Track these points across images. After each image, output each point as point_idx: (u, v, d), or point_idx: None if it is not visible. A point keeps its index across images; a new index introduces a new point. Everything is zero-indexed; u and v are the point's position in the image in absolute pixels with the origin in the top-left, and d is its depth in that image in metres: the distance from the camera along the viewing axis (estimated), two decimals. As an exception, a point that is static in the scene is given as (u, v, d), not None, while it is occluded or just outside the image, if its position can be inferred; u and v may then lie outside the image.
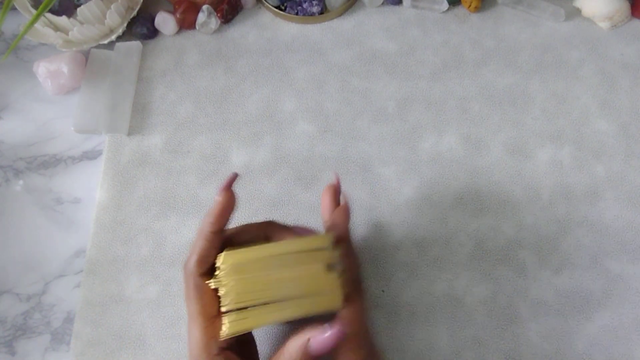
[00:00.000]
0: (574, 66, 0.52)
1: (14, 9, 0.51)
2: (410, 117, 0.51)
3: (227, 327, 0.30)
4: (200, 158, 0.50)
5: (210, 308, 0.32)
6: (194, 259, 0.33)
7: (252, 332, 0.37)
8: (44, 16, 0.49)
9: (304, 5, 0.53)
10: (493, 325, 0.44)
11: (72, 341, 0.44)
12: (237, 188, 0.49)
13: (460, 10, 0.55)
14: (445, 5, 0.54)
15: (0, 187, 0.50)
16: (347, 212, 0.36)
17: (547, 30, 0.54)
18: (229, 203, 0.34)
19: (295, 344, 0.29)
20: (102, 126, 0.50)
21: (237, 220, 0.47)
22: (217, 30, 0.55)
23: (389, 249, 0.46)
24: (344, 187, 0.48)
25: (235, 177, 0.35)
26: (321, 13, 0.54)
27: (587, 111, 0.51)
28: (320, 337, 0.28)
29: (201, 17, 0.53)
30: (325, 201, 0.37)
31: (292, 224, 0.37)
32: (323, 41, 0.54)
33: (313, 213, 0.48)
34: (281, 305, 0.30)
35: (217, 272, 0.32)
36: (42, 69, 0.51)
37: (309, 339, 0.28)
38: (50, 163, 0.50)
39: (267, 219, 0.37)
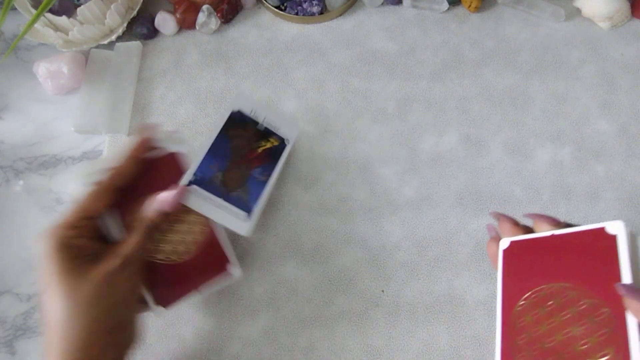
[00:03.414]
0: (574, 66, 0.52)
1: (14, 9, 0.51)
2: (410, 117, 0.51)
3: None
4: (200, 158, 0.50)
5: None
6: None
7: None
8: (44, 16, 0.49)
9: (304, 5, 0.53)
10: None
11: (72, 341, 0.44)
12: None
13: (460, 10, 0.55)
14: (445, 5, 0.54)
15: (0, 187, 0.50)
16: None
17: (547, 30, 0.54)
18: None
19: (149, 202, 0.36)
20: (102, 126, 0.50)
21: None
22: (217, 30, 0.55)
23: (389, 249, 0.46)
24: (346, 188, 0.48)
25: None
26: (321, 13, 0.54)
27: (587, 111, 0.51)
28: (166, 194, 0.37)
29: (201, 17, 0.53)
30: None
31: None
32: (323, 41, 0.54)
33: (313, 213, 0.48)
34: None
35: None
36: (42, 69, 0.51)
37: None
38: (50, 163, 0.50)
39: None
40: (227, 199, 0.41)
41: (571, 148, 0.49)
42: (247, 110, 0.44)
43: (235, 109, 0.44)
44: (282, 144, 0.45)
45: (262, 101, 0.48)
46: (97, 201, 0.35)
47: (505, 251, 0.34)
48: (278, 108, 0.51)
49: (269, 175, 0.43)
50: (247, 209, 0.41)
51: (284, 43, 0.54)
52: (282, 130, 0.45)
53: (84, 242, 0.33)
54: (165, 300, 0.39)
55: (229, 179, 0.41)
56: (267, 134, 0.44)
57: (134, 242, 0.35)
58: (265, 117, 0.44)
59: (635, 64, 0.52)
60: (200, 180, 0.40)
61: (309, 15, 0.54)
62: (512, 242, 0.34)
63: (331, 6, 0.54)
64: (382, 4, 0.55)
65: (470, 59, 0.53)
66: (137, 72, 0.53)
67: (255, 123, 0.44)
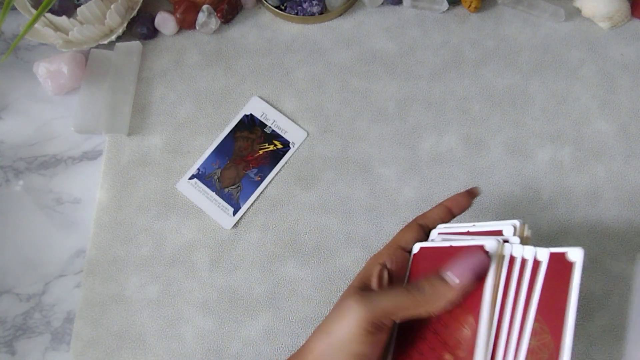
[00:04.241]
0: (574, 66, 0.52)
1: (14, 9, 0.51)
2: (410, 117, 0.51)
3: None
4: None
5: None
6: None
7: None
8: (44, 16, 0.49)
9: (304, 5, 0.53)
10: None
11: (72, 341, 0.44)
12: (237, 188, 0.48)
13: (460, 10, 0.55)
14: (445, 5, 0.54)
15: (0, 187, 0.50)
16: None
17: (547, 30, 0.54)
18: None
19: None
20: (102, 126, 0.50)
21: (237, 220, 0.47)
22: (217, 30, 0.55)
23: (389, 249, 0.46)
24: (346, 188, 0.48)
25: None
26: (321, 13, 0.54)
27: (587, 111, 0.51)
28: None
29: (201, 17, 0.53)
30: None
31: None
32: (323, 41, 0.54)
33: (313, 213, 0.48)
34: None
35: None
36: (42, 69, 0.51)
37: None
38: (50, 163, 0.50)
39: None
40: (220, 194, 0.46)
41: (571, 148, 0.49)
42: (258, 113, 0.48)
43: (248, 112, 0.49)
44: (286, 147, 0.48)
45: (275, 105, 0.50)
46: (409, 232, 0.35)
47: (415, 256, 0.31)
48: (280, 108, 0.51)
49: (263, 176, 0.46)
50: (236, 205, 0.46)
51: (284, 43, 0.54)
52: (289, 134, 0.48)
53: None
54: None
55: (225, 177, 0.46)
56: (273, 136, 0.48)
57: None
58: (274, 120, 0.47)
59: (635, 64, 0.52)
60: (201, 175, 0.47)
61: (309, 15, 0.54)
62: (422, 248, 0.31)
63: (331, 6, 0.54)
64: (382, 4, 0.55)
65: (470, 59, 0.53)
66: (137, 72, 0.53)
67: (264, 125, 0.47)
